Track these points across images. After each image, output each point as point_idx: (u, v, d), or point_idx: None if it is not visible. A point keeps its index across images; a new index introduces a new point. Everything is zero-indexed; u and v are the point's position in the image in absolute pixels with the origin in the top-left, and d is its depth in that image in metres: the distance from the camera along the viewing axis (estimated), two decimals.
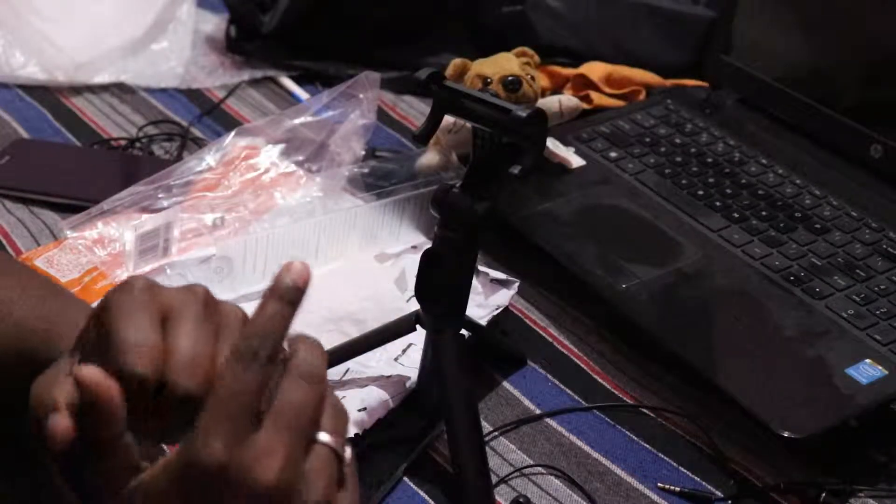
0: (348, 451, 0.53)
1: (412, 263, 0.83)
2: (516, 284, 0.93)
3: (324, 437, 0.51)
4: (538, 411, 0.86)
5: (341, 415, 0.53)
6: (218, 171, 1.04)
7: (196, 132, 1.18)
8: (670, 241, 0.97)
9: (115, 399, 0.50)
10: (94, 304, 0.57)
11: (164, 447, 0.67)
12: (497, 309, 0.90)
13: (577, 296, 0.95)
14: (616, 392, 0.88)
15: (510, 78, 1.02)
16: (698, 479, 0.81)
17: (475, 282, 0.90)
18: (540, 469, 0.81)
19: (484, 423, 0.82)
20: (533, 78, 1.04)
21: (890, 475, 0.81)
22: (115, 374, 0.51)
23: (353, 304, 0.90)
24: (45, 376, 0.56)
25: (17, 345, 0.63)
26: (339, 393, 0.82)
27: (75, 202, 1.03)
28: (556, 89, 1.22)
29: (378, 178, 1.05)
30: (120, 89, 1.24)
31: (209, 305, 0.55)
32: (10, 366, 0.63)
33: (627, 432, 0.84)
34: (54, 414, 0.51)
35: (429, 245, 0.76)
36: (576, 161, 1.06)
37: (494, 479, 0.79)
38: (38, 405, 0.53)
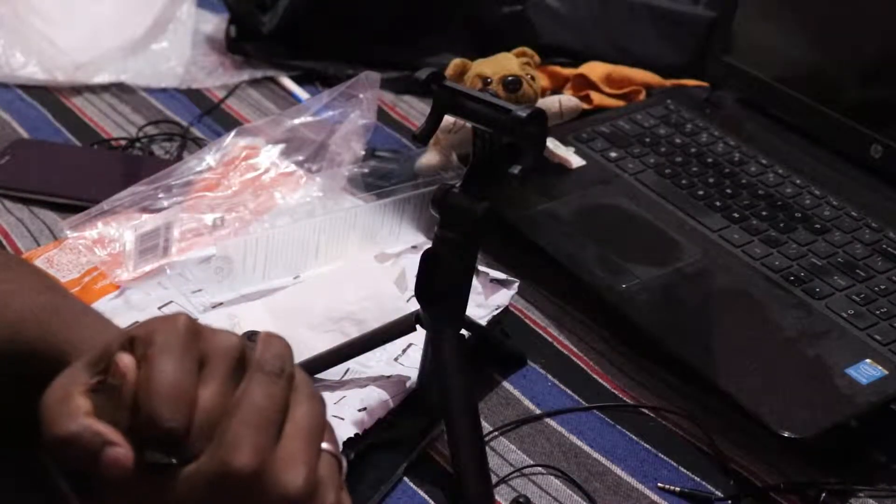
0: (343, 458, 0.57)
1: (412, 263, 0.83)
2: (516, 284, 0.93)
3: (326, 446, 0.55)
4: (538, 411, 0.86)
5: (332, 428, 0.57)
6: (218, 171, 1.04)
7: (196, 132, 1.18)
8: (670, 241, 0.97)
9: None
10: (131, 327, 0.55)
11: None
12: (497, 309, 0.90)
13: (577, 296, 0.95)
14: (616, 392, 0.88)
15: (510, 78, 1.02)
16: (698, 479, 0.81)
17: (475, 282, 0.90)
18: (540, 469, 0.81)
19: (484, 423, 0.82)
20: (533, 78, 1.04)
21: (890, 475, 0.81)
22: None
23: (353, 304, 0.90)
24: (59, 393, 0.53)
25: (12, 336, 0.64)
26: (339, 393, 0.82)
27: (75, 202, 1.03)
28: (556, 89, 1.22)
29: (378, 178, 1.05)
30: (120, 89, 1.24)
31: (191, 335, 0.53)
32: (4, 356, 0.63)
33: (627, 432, 0.84)
34: (115, 448, 0.50)
35: (429, 245, 0.76)
36: (576, 161, 1.06)
37: (494, 479, 0.79)
38: (75, 435, 0.51)
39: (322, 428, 0.54)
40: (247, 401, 0.52)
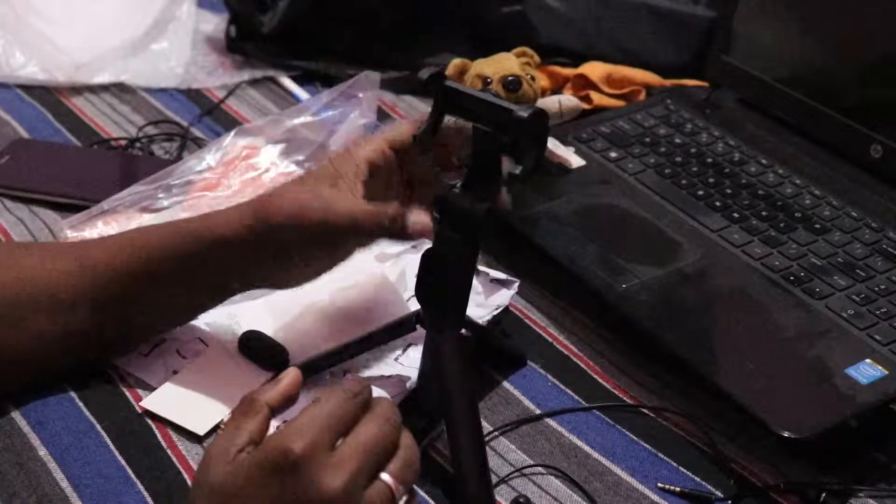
0: (404, 499, 0.62)
1: (412, 263, 0.83)
2: (516, 284, 0.93)
3: (386, 477, 0.61)
4: (538, 411, 0.86)
5: (409, 466, 0.63)
6: (218, 171, 1.04)
7: (196, 132, 1.18)
8: (670, 241, 0.97)
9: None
10: None
11: None
12: (497, 309, 0.90)
13: (577, 296, 0.95)
14: (616, 392, 0.88)
15: (510, 78, 1.02)
16: (698, 479, 0.81)
17: (475, 282, 0.90)
18: (540, 469, 0.81)
19: (484, 423, 0.81)
20: (533, 78, 1.04)
21: (890, 475, 0.81)
22: None
23: (353, 304, 0.90)
24: None
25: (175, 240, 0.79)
26: None
27: (75, 202, 1.03)
28: (556, 89, 1.22)
29: None
30: (120, 89, 1.24)
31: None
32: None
33: (627, 432, 0.84)
34: None
35: (429, 245, 0.76)
36: (576, 161, 1.06)
37: (494, 479, 0.79)
38: None
39: (380, 450, 0.61)
40: (319, 405, 0.61)
